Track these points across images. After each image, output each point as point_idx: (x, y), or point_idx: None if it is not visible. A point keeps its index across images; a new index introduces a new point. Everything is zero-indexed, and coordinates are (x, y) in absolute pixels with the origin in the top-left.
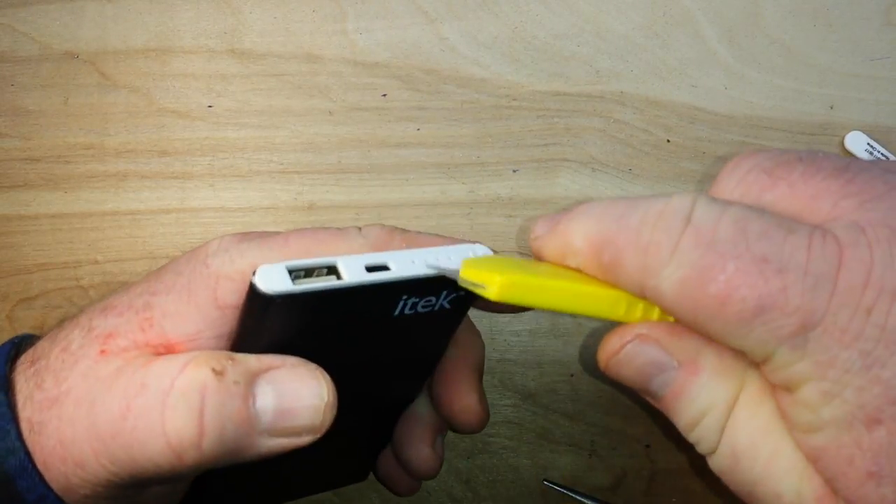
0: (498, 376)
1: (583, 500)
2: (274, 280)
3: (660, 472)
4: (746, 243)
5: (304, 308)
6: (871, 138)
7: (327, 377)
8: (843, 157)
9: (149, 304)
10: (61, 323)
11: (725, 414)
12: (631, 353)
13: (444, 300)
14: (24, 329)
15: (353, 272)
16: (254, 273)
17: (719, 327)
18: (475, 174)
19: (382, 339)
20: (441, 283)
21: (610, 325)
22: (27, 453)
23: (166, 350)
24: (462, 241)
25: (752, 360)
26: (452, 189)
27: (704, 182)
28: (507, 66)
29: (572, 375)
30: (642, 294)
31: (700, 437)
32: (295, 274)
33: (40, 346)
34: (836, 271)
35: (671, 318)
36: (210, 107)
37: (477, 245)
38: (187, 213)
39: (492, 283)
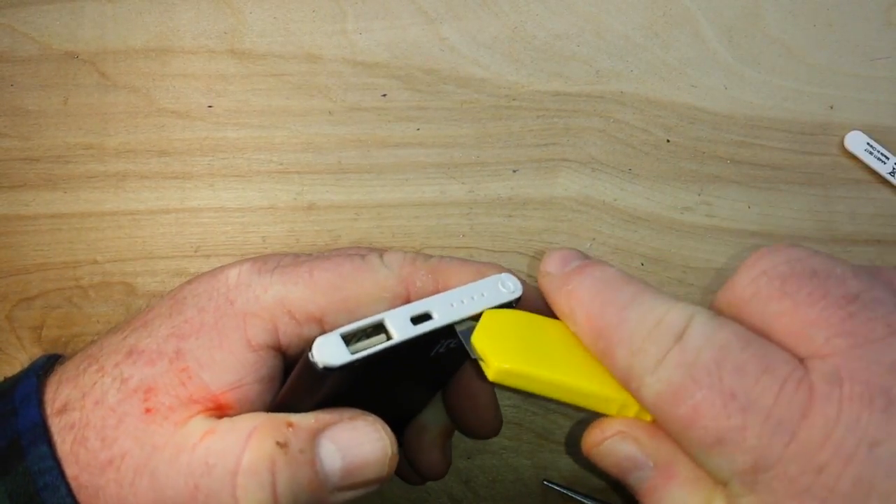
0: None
1: (583, 500)
2: (332, 352)
3: None
4: (720, 375)
5: (358, 370)
6: (871, 138)
7: (387, 428)
8: (860, 278)
9: (180, 351)
10: (77, 361)
11: None
12: (610, 447)
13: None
14: (24, 329)
15: (401, 329)
16: (310, 348)
17: (686, 445)
18: (475, 174)
19: (418, 374)
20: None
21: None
22: None
23: (213, 404)
24: (489, 266)
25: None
26: (452, 189)
27: (704, 182)
28: (507, 66)
29: None
30: (628, 388)
31: None
32: (347, 339)
33: (64, 392)
34: (799, 421)
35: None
36: (210, 107)
37: (504, 275)
38: (187, 213)
39: (490, 367)
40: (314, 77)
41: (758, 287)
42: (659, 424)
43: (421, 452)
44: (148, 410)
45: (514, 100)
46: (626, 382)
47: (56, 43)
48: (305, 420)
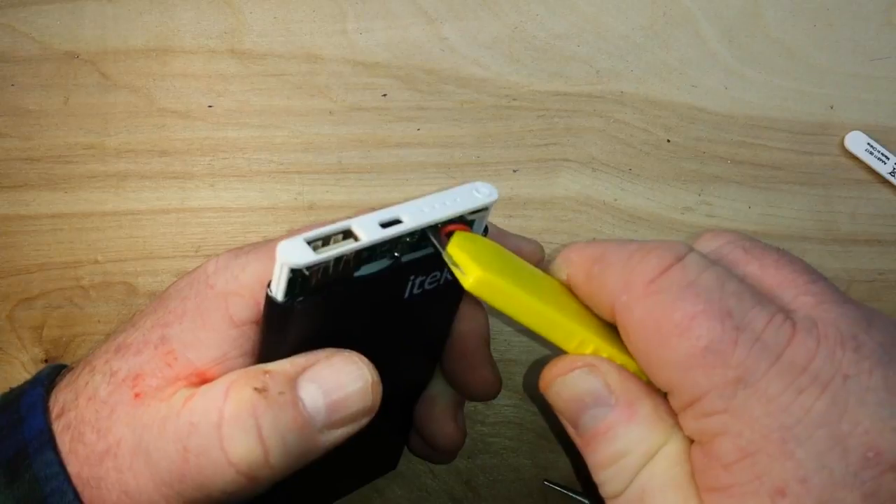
0: (499, 376)
1: (583, 500)
2: (295, 254)
3: None
4: (720, 294)
5: (325, 302)
6: (871, 138)
7: (364, 359)
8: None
9: (165, 336)
10: (75, 368)
11: (643, 461)
12: (577, 378)
13: (448, 273)
14: (24, 329)
15: (368, 231)
16: (268, 284)
17: (667, 356)
18: (475, 174)
19: (397, 325)
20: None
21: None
22: None
23: (199, 379)
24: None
25: (679, 403)
26: None
27: (704, 182)
28: (508, 66)
29: None
30: (611, 310)
31: (610, 477)
32: (314, 244)
33: (62, 396)
34: (784, 348)
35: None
36: (210, 107)
37: (478, 182)
38: (187, 213)
39: (470, 274)
40: (314, 77)
41: (723, 255)
42: (633, 343)
43: (435, 425)
44: (137, 395)
45: (514, 100)
46: (613, 302)
47: (57, 43)
48: (281, 366)
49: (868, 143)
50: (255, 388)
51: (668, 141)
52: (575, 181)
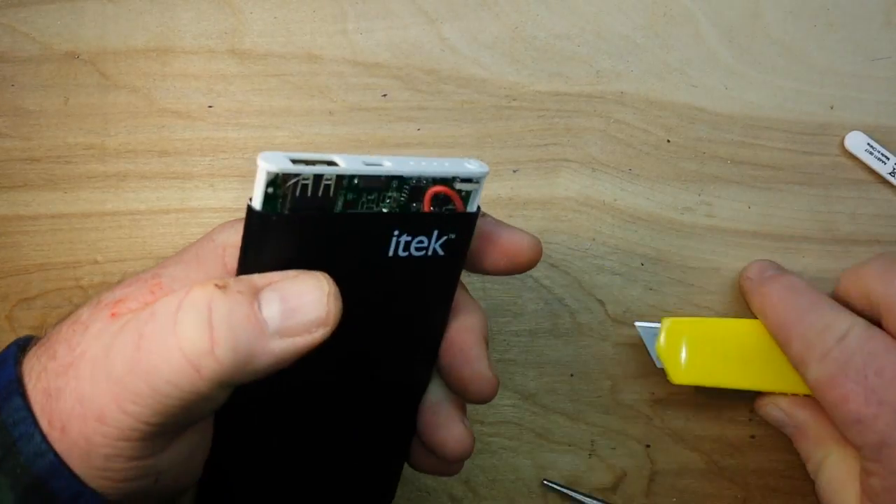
0: (498, 376)
1: (583, 499)
2: (276, 161)
3: (660, 472)
4: (865, 374)
5: (303, 223)
6: (871, 138)
7: (326, 275)
8: None
9: (157, 274)
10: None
11: (820, 462)
12: (765, 410)
13: (437, 243)
14: (24, 330)
15: (350, 163)
16: (250, 198)
17: (832, 418)
18: None
19: (382, 289)
20: (432, 221)
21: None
22: (55, 454)
23: None
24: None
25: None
26: None
27: (704, 182)
28: (508, 66)
29: (572, 375)
30: (797, 369)
31: (811, 470)
32: (296, 162)
33: (43, 343)
34: None
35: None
36: (210, 107)
37: (470, 159)
38: (187, 214)
39: (675, 375)
40: (315, 77)
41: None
42: (810, 399)
43: (443, 431)
44: (113, 314)
45: (514, 100)
46: (796, 366)
47: (57, 43)
48: (250, 276)
49: (868, 143)
50: (216, 285)
51: (668, 141)
52: (575, 181)
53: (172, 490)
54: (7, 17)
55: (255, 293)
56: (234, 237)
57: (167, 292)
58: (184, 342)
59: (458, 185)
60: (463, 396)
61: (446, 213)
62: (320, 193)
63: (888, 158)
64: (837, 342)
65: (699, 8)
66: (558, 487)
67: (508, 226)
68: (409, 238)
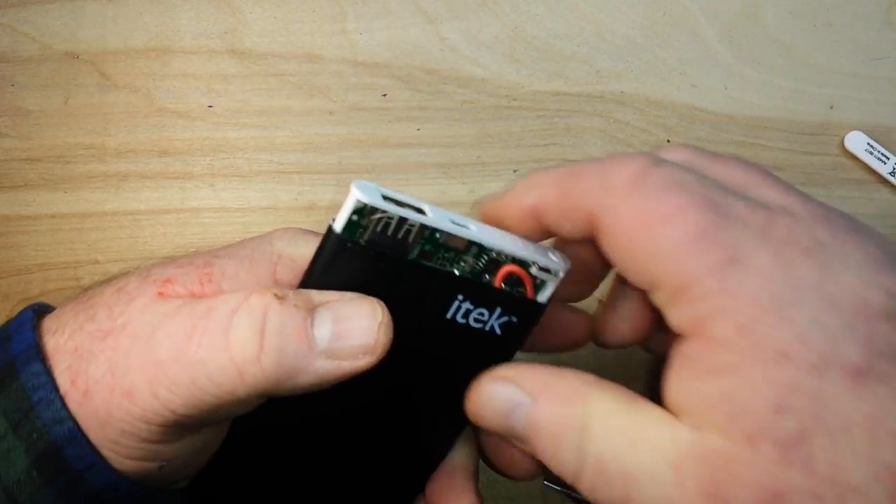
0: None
1: (583, 500)
2: (367, 192)
3: None
4: (705, 187)
5: (375, 259)
6: (871, 138)
7: (382, 304)
8: None
9: (209, 262)
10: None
11: (580, 432)
12: (488, 393)
13: (497, 321)
14: None
15: (438, 216)
16: (334, 218)
17: (655, 248)
18: (475, 174)
19: (430, 346)
20: (499, 298)
21: None
22: (74, 421)
23: None
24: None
25: (669, 295)
26: (452, 189)
27: None
28: (508, 66)
29: None
30: (589, 221)
31: (564, 461)
32: (386, 199)
33: (93, 289)
34: (767, 227)
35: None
36: (210, 107)
37: (555, 250)
38: (187, 213)
39: None
40: (314, 77)
41: (689, 160)
42: (618, 241)
43: (453, 498)
44: (160, 293)
45: (514, 100)
46: (594, 202)
47: (56, 43)
48: (310, 291)
49: (868, 143)
50: (276, 295)
51: (668, 141)
52: None
53: (172, 480)
54: (7, 17)
55: (311, 310)
56: (291, 248)
57: (216, 285)
58: (234, 345)
59: (535, 272)
60: (498, 472)
61: (516, 294)
62: (400, 236)
63: (888, 158)
64: (655, 164)
65: (699, 8)
66: (559, 488)
67: (564, 306)
68: (472, 307)
